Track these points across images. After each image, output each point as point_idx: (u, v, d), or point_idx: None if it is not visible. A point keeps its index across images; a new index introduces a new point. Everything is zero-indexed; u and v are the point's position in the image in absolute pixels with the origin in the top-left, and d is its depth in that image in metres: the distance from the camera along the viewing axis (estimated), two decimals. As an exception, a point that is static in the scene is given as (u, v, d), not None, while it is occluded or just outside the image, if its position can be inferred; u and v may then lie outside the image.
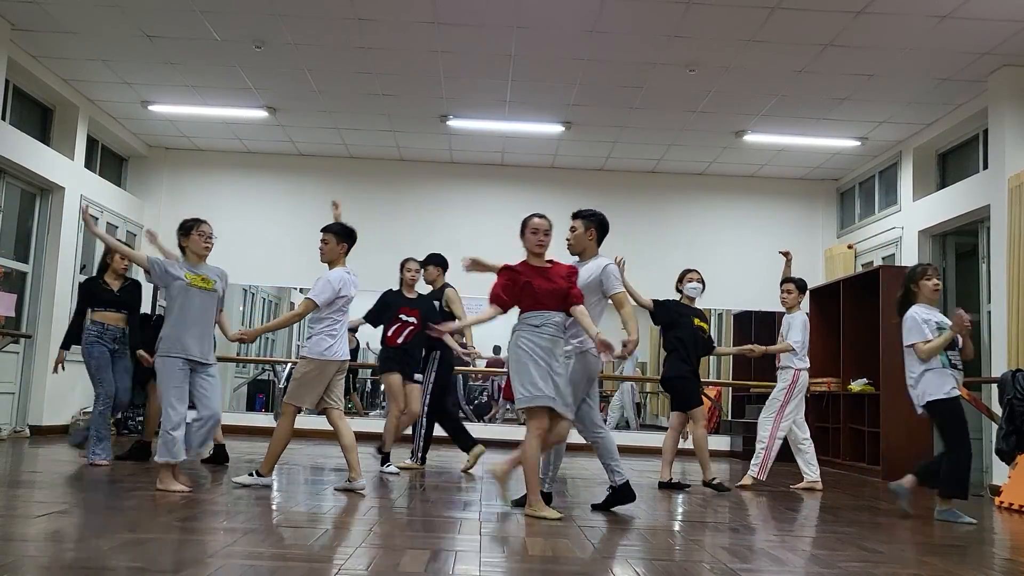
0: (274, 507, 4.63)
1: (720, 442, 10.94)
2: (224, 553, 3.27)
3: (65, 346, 6.50)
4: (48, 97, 9.13)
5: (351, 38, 7.58)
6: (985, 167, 8.17)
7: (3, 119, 8.12)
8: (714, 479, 6.47)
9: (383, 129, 10.05)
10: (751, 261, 10.91)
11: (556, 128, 9.69)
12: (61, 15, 7.36)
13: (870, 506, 5.97)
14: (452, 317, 6.81)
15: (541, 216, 4.93)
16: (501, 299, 4.76)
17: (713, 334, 7.11)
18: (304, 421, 11.14)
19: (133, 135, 10.66)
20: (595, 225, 5.13)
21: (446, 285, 7.12)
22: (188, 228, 5.23)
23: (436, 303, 6.97)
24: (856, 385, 9.08)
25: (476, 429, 11.45)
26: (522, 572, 3.20)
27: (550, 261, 4.88)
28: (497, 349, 13.54)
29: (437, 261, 7.19)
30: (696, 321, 6.68)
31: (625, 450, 9.56)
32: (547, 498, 4.90)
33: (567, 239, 5.11)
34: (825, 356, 10.00)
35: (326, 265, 5.51)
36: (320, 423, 10.12)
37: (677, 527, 4.65)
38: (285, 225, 11.04)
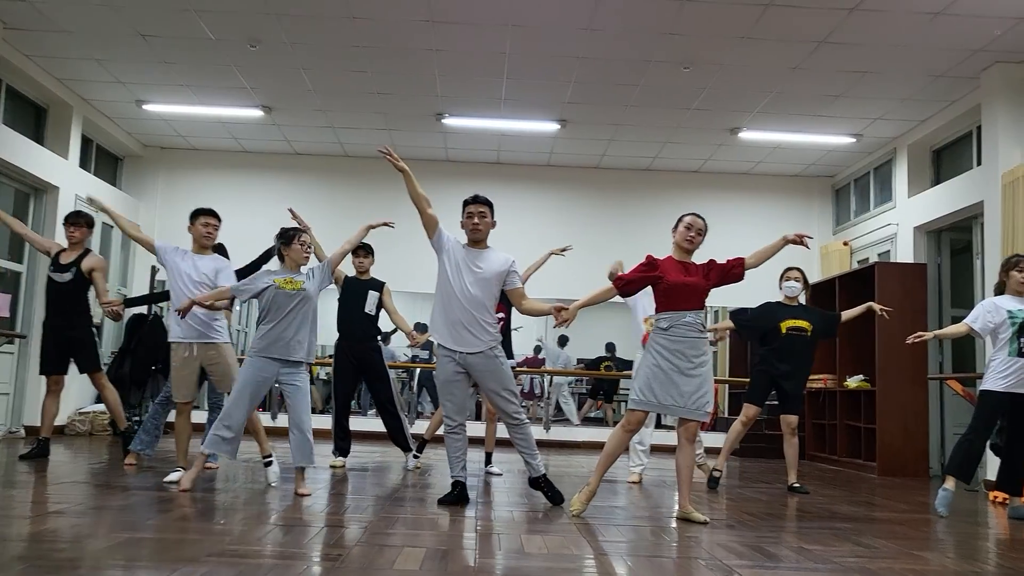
0: (269, 505, 4.63)
1: (717, 439, 10.95)
2: (219, 552, 3.27)
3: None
4: (42, 96, 9.11)
5: (346, 37, 7.57)
6: (979, 163, 8.19)
7: (-3, 119, 8.11)
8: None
9: (379, 128, 10.05)
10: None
11: (552, 126, 9.70)
12: (54, 14, 7.35)
13: (866, 502, 5.99)
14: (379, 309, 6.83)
15: (696, 214, 4.96)
16: (628, 287, 4.83)
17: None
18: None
19: (128, 135, 10.64)
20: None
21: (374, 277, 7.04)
22: (290, 237, 5.29)
23: (375, 293, 6.86)
24: (852, 382, 9.10)
25: (471, 428, 11.42)
26: (518, 569, 3.20)
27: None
28: (537, 349, 13.55)
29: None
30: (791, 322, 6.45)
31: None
32: (456, 486, 4.93)
33: (476, 224, 4.96)
34: (821, 353, 10.00)
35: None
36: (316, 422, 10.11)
37: (673, 523, 4.66)
38: (280, 224, 10.97)
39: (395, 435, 6.94)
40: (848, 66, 7.74)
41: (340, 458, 6.76)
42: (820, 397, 9.90)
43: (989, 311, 5.41)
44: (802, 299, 6.58)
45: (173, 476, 5.32)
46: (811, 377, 9.91)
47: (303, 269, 5.24)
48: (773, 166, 10.94)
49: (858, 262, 10.43)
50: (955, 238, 9.09)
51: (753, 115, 9.13)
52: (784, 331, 6.33)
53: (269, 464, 5.42)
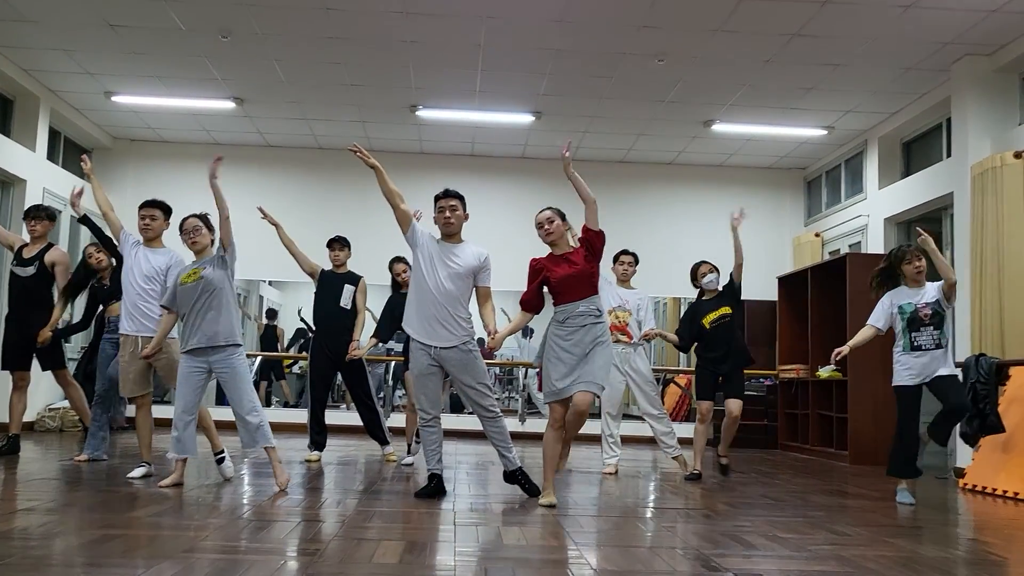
0: (245, 501, 4.60)
1: (689, 429, 11.02)
2: (197, 548, 3.25)
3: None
4: (8, 88, 8.95)
5: (319, 28, 7.51)
6: (948, 155, 8.29)
7: (-38, 111, 7.96)
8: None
9: (352, 120, 9.99)
10: (721, 250, 10.95)
11: (526, 118, 9.69)
12: (20, 3, 7.21)
13: (838, 490, 6.06)
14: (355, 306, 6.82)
15: (544, 209, 5.06)
16: (530, 303, 4.95)
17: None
18: (274, 414, 11.06)
19: (96, 127, 10.49)
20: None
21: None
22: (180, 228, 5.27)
23: (350, 287, 6.82)
24: (824, 372, 9.19)
25: (451, 421, 11.45)
26: (497, 561, 3.21)
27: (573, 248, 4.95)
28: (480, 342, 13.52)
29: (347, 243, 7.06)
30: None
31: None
32: (432, 479, 4.95)
33: (448, 218, 4.96)
34: (793, 343, 10.12)
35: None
36: (289, 416, 10.05)
37: (649, 514, 4.69)
38: (254, 218, 10.90)
39: (372, 428, 6.92)
40: (820, 59, 7.80)
41: (316, 452, 6.73)
42: (792, 387, 9.99)
43: (887, 308, 5.52)
44: (720, 285, 6.66)
45: (137, 472, 5.28)
46: (783, 367, 10.06)
47: (207, 257, 5.17)
48: (746, 158, 11.01)
49: (829, 253, 10.54)
50: (925, 229, 9.19)
51: (726, 107, 9.17)
52: (708, 326, 6.48)
53: (221, 460, 5.38)
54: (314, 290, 6.94)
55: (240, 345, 5.09)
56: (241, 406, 5.00)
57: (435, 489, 4.90)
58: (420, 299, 4.90)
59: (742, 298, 6.76)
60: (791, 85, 8.46)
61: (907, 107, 8.94)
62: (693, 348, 6.68)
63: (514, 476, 5.10)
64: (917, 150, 9.36)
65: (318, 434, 6.76)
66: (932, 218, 8.85)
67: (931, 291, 5.43)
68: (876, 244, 9.45)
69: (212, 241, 5.24)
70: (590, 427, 9.58)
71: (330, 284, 6.81)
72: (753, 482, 6.39)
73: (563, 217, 5.03)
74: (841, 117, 9.34)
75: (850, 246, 10.11)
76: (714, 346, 6.45)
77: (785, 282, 10.43)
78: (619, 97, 8.97)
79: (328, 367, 6.80)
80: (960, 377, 5.67)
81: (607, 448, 6.64)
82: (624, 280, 6.87)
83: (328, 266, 6.93)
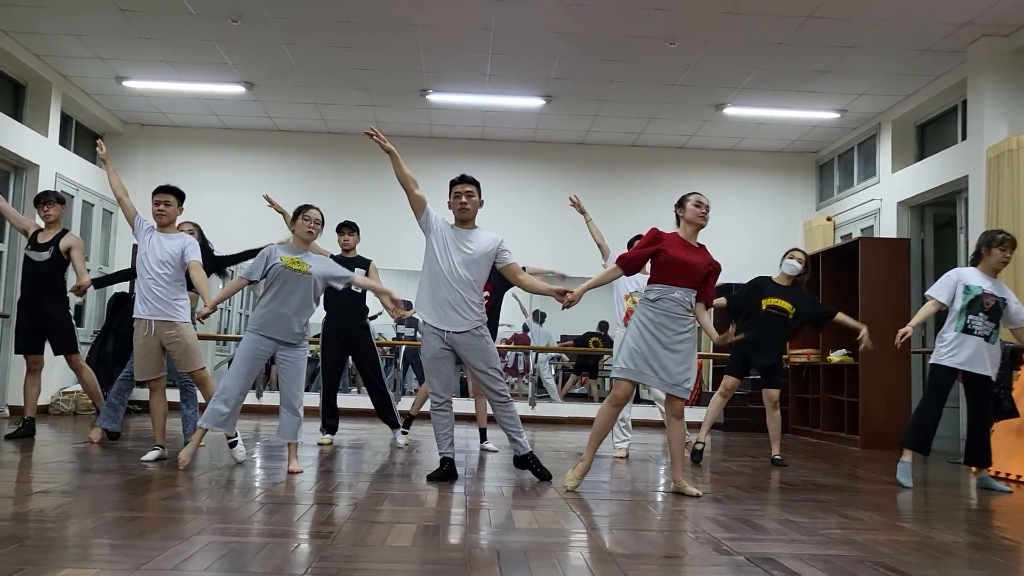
0: (258, 484, 4.63)
1: (699, 413, 11.03)
2: (211, 530, 3.27)
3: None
4: (21, 73, 8.97)
5: (329, 11, 7.49)
6: (964, 138, 8.22)
7: (-26, 96, 7.99)
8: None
9: (362, 104, 9.97)
10: (731, 234, 10.95)
11: (537, 102, 9.65)
12: (32, -11, 7.22)
13: (849, 474, 6.05)
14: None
15: (700, 193, 4.96)
16: (632, 263, 4.83)
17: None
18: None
19: (108, 111, 10.51)
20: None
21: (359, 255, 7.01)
22: (296, 213, 5.27)
23: (360, 271, 6.81)
24: (835, 356, 9.16)
25: (459, 405, 11.44)
26: (509, 544, 3.22)
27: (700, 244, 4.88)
28: (525, 328, 13.55)
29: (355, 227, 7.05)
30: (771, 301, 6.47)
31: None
32: (444, 463, 4.96)
33: (464, 204, 4.92)
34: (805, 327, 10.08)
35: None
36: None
37: (660, 497, 4.69)
38: (264, 202, 10.94)
39: (383, 411, 6.94)
40: (834, 41, 7.73)
41: (328, 435, 6.77)
42: (803, 371, 9.97)
43: (955, 283, 5.41)
44: (794, 273, 6.53)
45: (151, 455, 5.32)
46: (794, 352, 10.02)
47: (324, 251, 5.27)
48: (757, 142, 10.95)
49: (841, 237, 10.49)
50: (939, 213, 9.15)
51: (738, 91, 9.12)
52: (764, 308, 6.39)
53: (234, 445, 5.39)
54: None
55: (307, 343, 5.20)
56: (293, 400, 5.07)
57: (447, 473, 4.91)
58: (433, 284, 4.89)
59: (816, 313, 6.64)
60: (804, 68, 8.40)
61: (922, 89, 8.86)
62: (733, 324, 6.63)
63: (525, 461, 5.11)
64: (932, 133, 9.28)
65: (330, 417, 6.80)
66: (946, 202, 8.80)
67: (999, 286, 5.38)
68: (889, 228, 9.40)
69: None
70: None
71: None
72: (764, 466, 6.39)
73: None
74: (854, 100, 9.27)
75: (862, 230, 10.06)
76: (761, 333, 6.35)
77: (797, 266, 10.38)
78: (630, 80, 8.92)
79: (340, 351, 6.82)
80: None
81: (618, 432, 6.65)
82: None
83: (337, 251, 6.92)
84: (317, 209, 5.28)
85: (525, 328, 13.09)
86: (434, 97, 9.59)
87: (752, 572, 2.88)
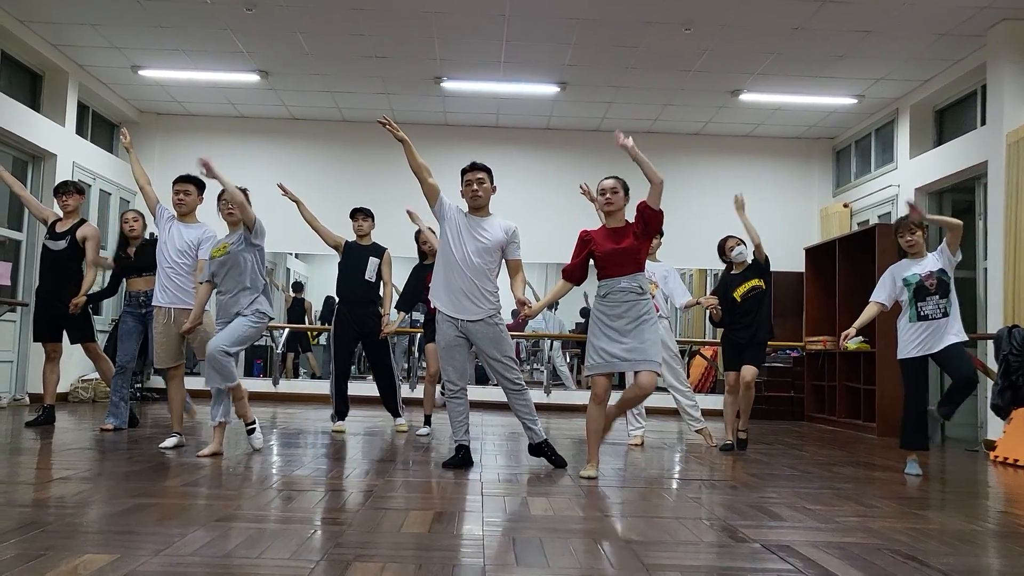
0: (274, 472, 4.66)
1: (714, 401, 11.02)
2: (228, 516, 3.30)
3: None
4: (38, 63, 9.02)
5: (343, -1, 7.48)
6: (983, 123, 8.13)
7: (-8, 86, 8.04)
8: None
9: (377, 92, 9.97)
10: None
11: (551, 89, 9.62)
12: (48, -22, 7.25)
13: (866, 462, 6.03)
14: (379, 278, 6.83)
15: (611, 177, 4.95)
16: (573, 273, 4.87)
17: (708, 295, 6.97)
18: (301, 386, 11.18)
19: (124, 100, 10.56)
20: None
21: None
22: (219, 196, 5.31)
23: (375, 259, 6.84)
24: (852, 343, 9.11)
25: (476, 392, 11.46)
26: (524, 531, 3.23)
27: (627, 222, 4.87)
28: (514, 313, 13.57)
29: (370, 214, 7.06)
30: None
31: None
32: (460, 449, 4.99)
33: (475, 191, 4.93)
34: (820, 314, 10.05)
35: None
36: (316, 387, 10.16)
37: (675, 485, 4.69)
38: (278, 190, 10.98)
39: (387, 399, 6.96)
40: (851, 25, 7.66)
41: (341, 423, 6.80)
42: (819, 359, 9.94)
43: (890, 282, 5.45)
44: (749, 257, 6.53)
45: (169, 442, 5.36)
46: (810, 339, 9.99)
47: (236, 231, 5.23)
48: (774, 128, 10.88)
49: (858, 224, 10.42)
50: (957, 199, 9.06)
51: (754, 77, 9.05)
52: (739, 299, 6.41)
53: (252, 432, 5.42)
54: (338, 261, 6.95)
55: (262, 316, 5.20)
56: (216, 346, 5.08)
57: (462, 460, 4.93)
58: (447, 272, 4.90)
59: (770, 269, 6.67)
60: (821, 53, 8.33)
61: (940, 74, 8.77)
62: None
63: (540, 448, 5.12)
64: (950, 118, 9.19)
65: (343, 405, 6.82)
66: (965, 187, 8.72)
67: (932, 260, 5.34)
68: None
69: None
70: (613, 399, 9.60)
71: (354, 255, 6.81)
72: (779, 454, 6.38)
73: (626, 191, 4.92)
74: (872, 85, 9.19)
75: (879, 216, 9.98)
76: (742, 317, 6.41)
77: (812, 253, 10.35)
78: (645, 67, 8.88)
79: (351, 338, 6.83)
80: (969, 347, 5.51)
81: (632, 420, 6.65)
82: (650, 253, 6.80)
83: (351, 237, 6.94)
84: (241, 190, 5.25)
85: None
86: (448, 84, 9.58)
87: (768, 559, 2.88)
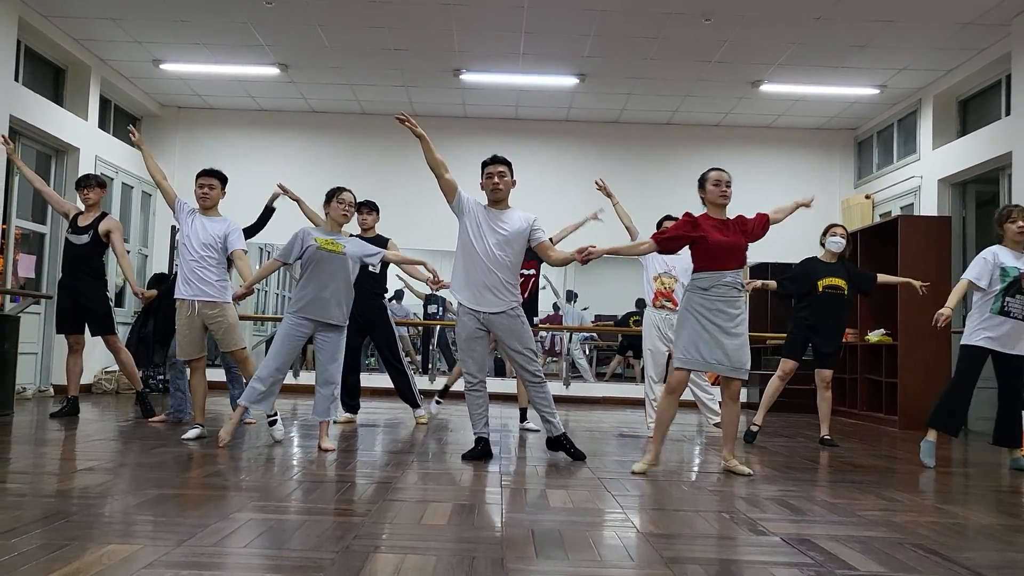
0: (295, 463, 4.69)
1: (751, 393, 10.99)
2: (250, 508, 3.32)
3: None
4: (60, 57, 9.10)
5: (362, -8, 7.49)
6: (1007, 113, 8.04)
7: (16, 80, 8.11)
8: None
9: (396, 84, 9.98)
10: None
11: (570, 81, 9.59)
12: (70, -27, 7.30)
13: (888, 455, 5.99)
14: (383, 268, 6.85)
15: (719, 169, 4.89)
16: (667, 243, 4.76)
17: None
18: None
19: (145, 94, 10.63)
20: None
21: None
22: (329, 196, 5.31)
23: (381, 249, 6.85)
24: (874, 336, 9.06)
25: (495, 384, 11.46)
26: (544, 523, 3.24)
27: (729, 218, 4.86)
28: (556, 307, 13.58)
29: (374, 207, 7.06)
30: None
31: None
32: (480, 442, 4.99)
33: (496, 184, 4.92)
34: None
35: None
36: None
37: (694, 477, 4.68)
38: (299, 183, 10.89)
39: (403, 392, 6.99)
40: (873, 15, 7.58)
41: (345, 414, 6.81)
42: (841, 352, 9.87)
43: (991, 264, 5.28)
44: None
45: (191, 433, 5.41)
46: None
47: (344, 231, 5.35)
48: (795, 119, 10.80)
49: (880, 216, 10.33)
50: (981, 190, 8.97)
51: (775, 67, 8.99)
52: (820, 289, 6.35)
53: (273, 423, 5.45)
54: None
55: (346, 326, 5.28)
56: (331, 377, 5.17)
57: (482, 452, 4.95)
58: (469, 265, 4.90)
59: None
60: (842, 43, 8.25)
61: (964, 64, 8.67)
62: (793, 305, 6.60)
63: (558, 442, 5.11)
64: (974, 108, 9.09)
65: (351, 398, 6.85)
66: (989, 179, 8.63)
67: None
68: (929, 206, 9.23)
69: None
70: (634, 391, 9.58)
71: None
72: (800, 446, 6.35)
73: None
74: (894, 75, 9.09)
75: (902, 208, 9.89)
76: (821, 313, 6.35)
77: (834, 245, 10.26)
78: (665, 58, 8.83)
79: (355, 331, 6.83)
80: None
81: (651, 412, 6.63)
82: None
83: (356, 230, 6.95)
84: (350, 191, 5.31)
85: (556, 307, 13.10)
86: (467, 77, 9.57)
87: (788, 553, 2.87)
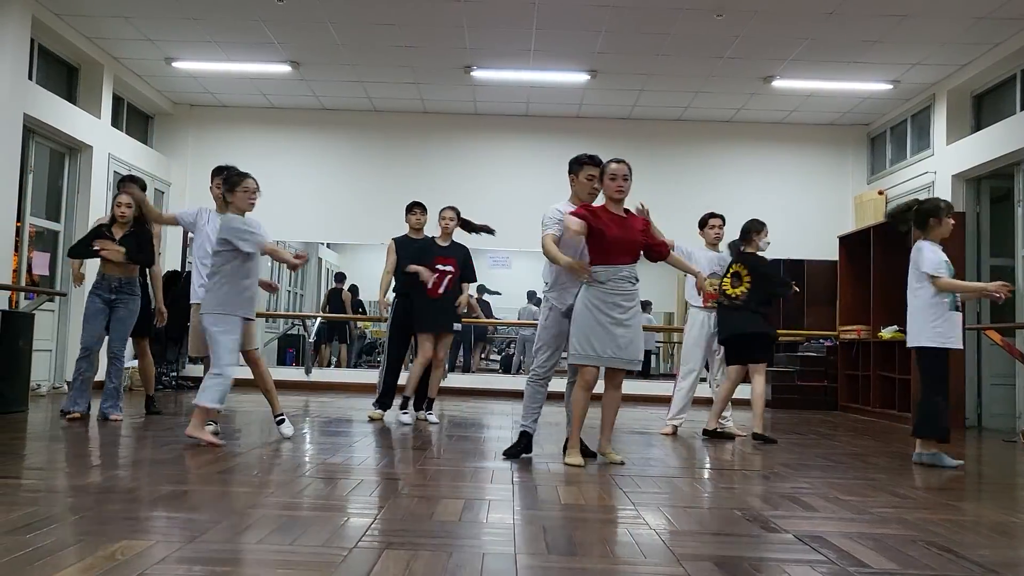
0: (306, 459, 4.70)
1: (744, 390, 10.95)
2: (262, 504, 3.33)
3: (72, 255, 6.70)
4: (73, 56, 9.14)
5: (373, -11, 7.49)
6: (1023, 108, 7.98)
7: (30, 79, 8.15)
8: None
9: (407, 81, 9.98)
10: (780, 209, 10.80)
11: (581, 77, 9.58)
12: (82, -28, 7.33)
13: (900, 452, 5.96)
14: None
15: (619, 161, 4.78)
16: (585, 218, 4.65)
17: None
18: (333, 375, 11.27)
19: (158, 92, 10.67)
20: None
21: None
22: (233, 184, 5.12)
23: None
24: (886, 332, 9.02)
25: (505, 381, 11.57)
26: (554, 520, 3.24)
27: (627, 211, 4.83)
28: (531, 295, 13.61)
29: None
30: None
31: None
32: (524, 437, 4.98)
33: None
34: (854, 303, 9.94)
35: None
36: (347, 376, 10.23)
37: (707, 475, 4.67)
38: (311, 180, 11.08)
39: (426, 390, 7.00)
40: (886, 10, 7.53)
41: (379, 411, 6.84)
42: (853, 348, 9.83)
43: (943, 258, 5.17)
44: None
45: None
46: (844, 328, 9.89)
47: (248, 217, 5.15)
48: (807, 115, 10.75)
49: (894, 211, 10.27)
50: (995, 186, 8.91)
51: (787, 63, 8.94)
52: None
53: (281, 422, 5.42)
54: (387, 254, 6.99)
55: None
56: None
57: (525, 448, 4.95)
58: (563, 271, 4.84)
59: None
60: (855, 38, 8.20)
61: (978, 59, 8.61)
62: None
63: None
64: (988, 103, 9.02)
65: (384, 395, 6.86)
66: (1004, 174, 8.57)
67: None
68: (943, 202, 9.17)
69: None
70: (646, 388, 9.53)
71: (411, 249, 6.83)
72: (812, 444, 6.32)
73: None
74: (907, 70, 9.04)
75: (916, 204, 9.83)
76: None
77: (847, 241, 10.22)
78: (676, 54, 8.80)
79: (407, 328, 6.87)
80: None
81: (726, 413, 6.58)
82: (714, 244, 6.72)
83: (402, 231, 7.02)
84: (253, 179, 5.18)
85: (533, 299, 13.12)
86: (478, 73, 9.57)
87: (801, 550, 2.86)
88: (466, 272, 6.80)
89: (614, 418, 4.86)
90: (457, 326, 6.83)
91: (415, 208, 7.05)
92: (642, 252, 4.83)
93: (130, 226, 6.25)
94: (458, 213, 6.86)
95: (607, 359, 4.63)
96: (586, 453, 5.02)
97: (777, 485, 4.26)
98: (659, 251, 4.88)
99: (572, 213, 4.69)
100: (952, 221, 5.25)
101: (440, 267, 6.66)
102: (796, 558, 2.75)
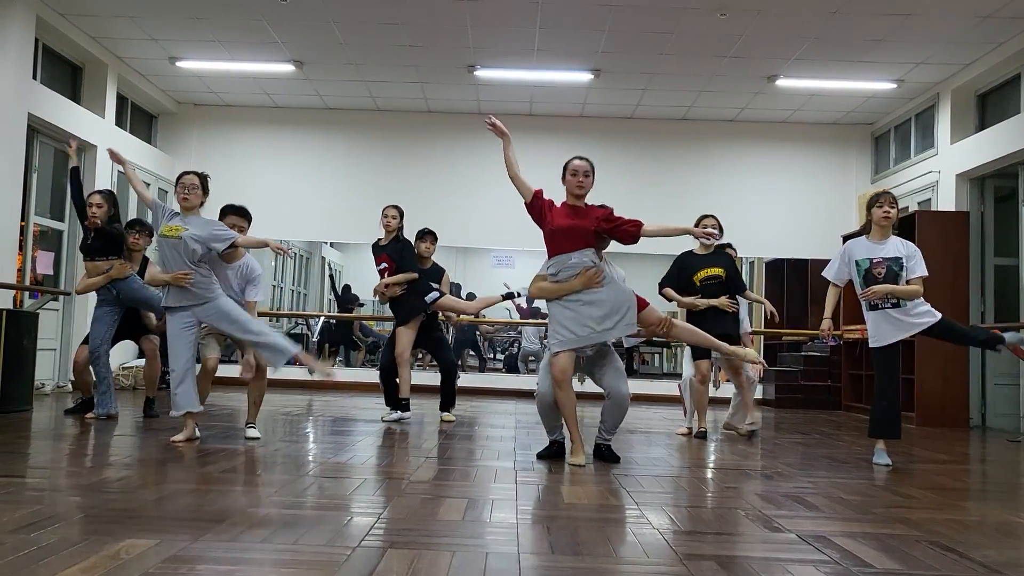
0: (310, 458, 4.71)
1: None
2: (266, 503, 3.34)
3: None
4: (77, 55, 9.16)
5: (376, -12, 7.49)
6: (1027, 108, 7.97)
7: (34, 78, 8.17)
8: (703, 430, 6.39)
9: (410, 81, 9.98)
10: (784, 208, 10.80)
11: (585, 76, 9.57)
12: (87, -28, 7.34)
13: (904, 452, 5.95)
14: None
15: (582, 158, 4.81)
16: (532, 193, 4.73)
17: (745, 282, 6.86)
18: (337, 374, 11.27)
19: (162, 92, 10.69)
20: None
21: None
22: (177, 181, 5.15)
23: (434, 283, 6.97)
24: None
25: (511, 381, 11.56)
26: (558, 520, 3.24)
27: (586, 204, 4.81)
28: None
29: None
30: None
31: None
32: (554, 445, 4.96)
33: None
34: (858, 303, 9.88)
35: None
36: (351, 375, 10.24)
37: (710, 474, 4.67)
38: (314, 179, 11.09)
39: (446, 390, 7.03)
40: (890, 9, 7.52)
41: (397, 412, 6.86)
42: (857, 348, 9.82)
43: (843, 260, 5.15)
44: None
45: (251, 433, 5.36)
46: (848, 328, 9.87)
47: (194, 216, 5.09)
48: (811, 114, 10.74)
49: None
50: (999, 185, 8.90)
51: (791, 62, 8.93)
52: (699, 283, 6.30)
53: (251, 428, 5.38)
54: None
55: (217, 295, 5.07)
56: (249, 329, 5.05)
57: (556, 452, 4.93)
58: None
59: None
60: (859, 37, 8.19)
61: (983, 57, 8.59)
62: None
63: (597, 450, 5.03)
64: (993, 102, 9.01)
65: (390, 396, 6.92)
66: (1008, 173, 8.56)
67: (895, 246, 5.03)
68: (947, 201, 9.17)
69: (202, 203, 5.15)
70: (651, 388, 9.54)
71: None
72: (816, 443, 6.32)
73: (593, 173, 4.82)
74: (912, 70, 9.03)
75: (920, 203, 9.82)
76: (707, 306, 6.27)
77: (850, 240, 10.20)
78: (680, 53, 8.80)
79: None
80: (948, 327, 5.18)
81: (738, 408, 6.58)
82: (707, 245, 6.68)
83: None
84: (193, 174, 5.12)
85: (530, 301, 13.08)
86: (482, 73, 9.57)
87: (804, 550, 2.86)
88: (402, 264, 6.75)
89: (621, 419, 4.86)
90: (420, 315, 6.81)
91: (426, 236, 7.11)
92: (614, 240, 4.74)
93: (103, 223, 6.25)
94: (401, 212, 6.88)
95: (586, 337, 4.58)
96: (562, 452, 4.97)
97: (780, 485, 4.25)
98: (627, 231, 4.68)
99: (536, 198, 4.75)
100: (880, 209, 5.08)
101: (379, 267, 6.82)
102: (799, 558, 2.75)
